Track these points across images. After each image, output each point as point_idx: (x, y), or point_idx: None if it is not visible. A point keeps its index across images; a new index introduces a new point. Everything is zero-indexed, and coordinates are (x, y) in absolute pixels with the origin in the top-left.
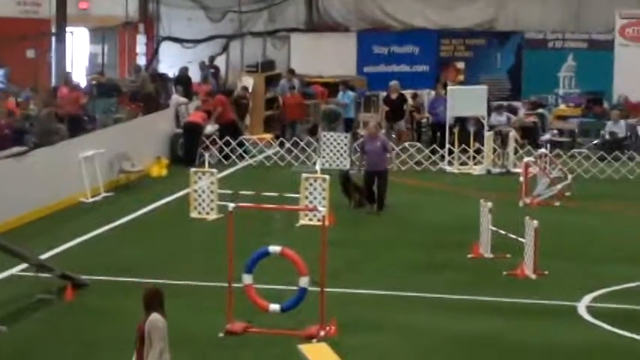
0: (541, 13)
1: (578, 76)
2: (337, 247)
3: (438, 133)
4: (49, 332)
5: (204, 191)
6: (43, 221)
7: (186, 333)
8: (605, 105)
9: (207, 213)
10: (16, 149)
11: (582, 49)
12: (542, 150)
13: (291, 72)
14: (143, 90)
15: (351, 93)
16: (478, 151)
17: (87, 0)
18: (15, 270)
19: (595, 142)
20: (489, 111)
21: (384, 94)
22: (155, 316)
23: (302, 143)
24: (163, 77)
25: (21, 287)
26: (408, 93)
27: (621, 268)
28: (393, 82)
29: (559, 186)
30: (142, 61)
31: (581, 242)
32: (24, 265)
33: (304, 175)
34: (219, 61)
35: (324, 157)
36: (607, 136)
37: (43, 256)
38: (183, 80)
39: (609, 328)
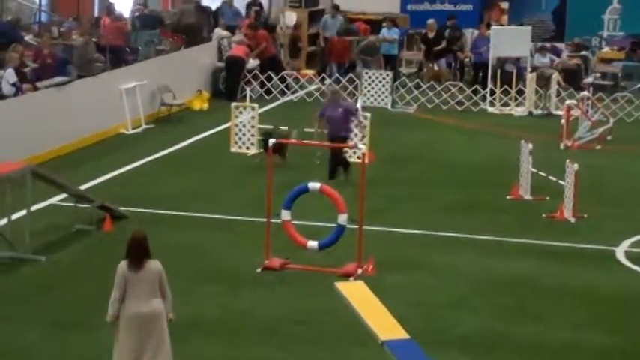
0: None
1: (623, 19)
2: (376, 185)
3: (480, 73)
4: (87, 263)
5: (245, 126)
6: (83, 152)
7: (223, 268)
8: None
9: (248, 148)
10: (58, 79)
11: None
12: (585, 93)
13: (336, 8)
14: (181, 21)
15: (396, 29)
16: (520, 92)
17: None
18: (54, 200)
19: (638, 85)
20: (532, 52)
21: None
22: (120, 265)
23: (344, 80)
24: (206, 10)
25: (60, 217)
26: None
27: None
28: (431, 21)
29: (600, 129)
30: None
31: (621, 187)
32: (63, 196)
33: None
34: None
35: (365, 95)
36: None
37: (83, 187)
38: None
39: None
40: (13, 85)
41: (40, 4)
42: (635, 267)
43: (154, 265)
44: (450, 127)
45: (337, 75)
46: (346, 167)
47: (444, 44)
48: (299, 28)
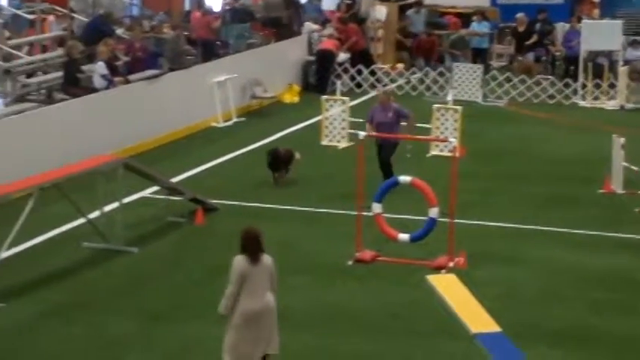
0: None
1: None
2: (467, 178)
3: (572, 67)
4: (178, 255)
5: (336, 119)
6: (174, 144)
7: (315, 260)
8: None
9: (338, 141)
10: (150, 72)
11: None
12: None
13: (419, 3)
14: (266, 14)
15: (486, 23)
16: (612, 86)
17: None
18: (146, 192)
19: None
20: (625, 46)
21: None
22: (236, 259)
23: (434, 73)
24: (297, 4)
25: (152, 209)
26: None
27: None
28: (520, 15)
29: None
30: None
31: None
32: (155, 188)
33: (435, 105)
34: None
35: (455, 88)
36: None
37: (175, 179)
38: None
39: None
40: (104, 77)
41: (130, 1)
42: None
43: (267, 259)
44: (541, 121)
45: (426, 69)
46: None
47: (534, 38)
48: (406, 20)
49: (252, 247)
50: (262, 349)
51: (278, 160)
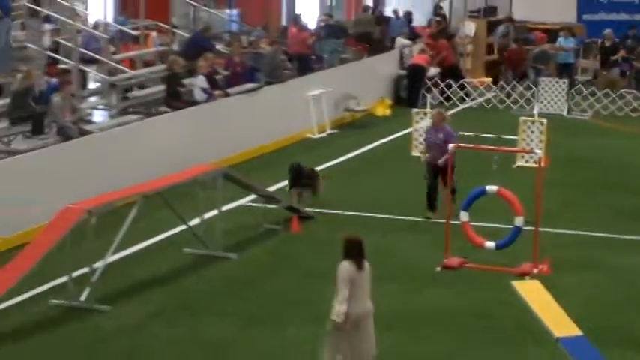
0: None
1: None
2: (552, 188)
3: None
4: (274, 261)
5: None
6: (271, 155)
7: (405, 265)
8: None
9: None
10: (248, 85)
11: None
12: None
13: (508, 19)
14: (358, 30)
15: (572, 39)
16: None
17: None
18: (244, 201)
19: None
20: None
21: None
22: (342, 264)
23: (521, 87)
24: (388, 20)
25: (249, 217)
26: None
27: None
28: (607, 31)
29: None
30: (368, 3)
31: None
32: (252, 197)
33: (522, 118)
34: (444, 6)
35: (541, 102)
36: None
37: (271, 189)
38: (411, 24)
39: None
40: (204, 91)
41: (230, 17)
42: None
43: (367, 265)
44: (625, 134)
45: (514, 82)
46: (453, 193)
47: (622, 53)
48: (507, 37)
49: (357, 253)
50: (366, 348)
51: (300, 177)
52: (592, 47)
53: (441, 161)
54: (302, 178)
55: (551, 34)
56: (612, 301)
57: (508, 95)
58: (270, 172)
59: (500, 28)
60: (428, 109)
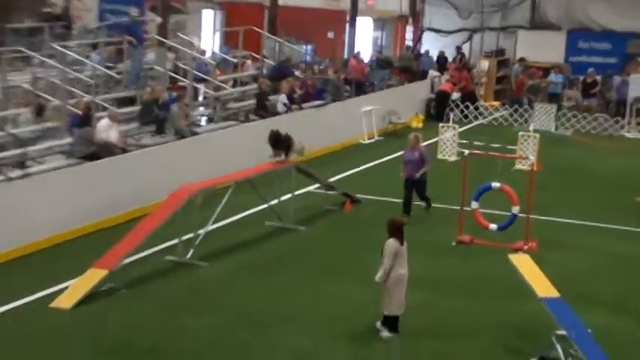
0: None
1: None
2: (541, 186)
3: (622, 108)
4: (332, 232)
5: (448, 140)
6: (332, 155)
7: (429, 241)
8: None
9: (449, 156)
10: (317, 102)
11: None
12: None
13: (522, 60)
14: (401, 63)
15: (560, 75)
16: None
17: None
18: (311, 188)
19: None
20: None
21: (580, 77)
22: (389, 241)
23: (521, 109)
24: (427, 55)
25: (314, 200)
26: (599, 77)
27: None
28: (591, 70)
29: None
30: (409, 44)
31: None
32: (317, 185)
33: (520, 132)
34: (465, 48)
35: (535, 121)
36: None
37: (331, 179)
38: (440, 60)
39: None
40: (285, 105)
41: (305, 51)
42: None
43: (405, 242)
44: (597, 148)
45: (516, 106)
46: (429, 204)
47: (598, 87)
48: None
49: (399, 233)
50: (403, 299)
51: (278, 141)
52: (575, 82)
53: (417, 175)
54: (279, 142)
55: (546, 71)
56: (582, 271)
57: (511, 115)
58: (332, 166)
59: (515, 67)
60: (450, 124)
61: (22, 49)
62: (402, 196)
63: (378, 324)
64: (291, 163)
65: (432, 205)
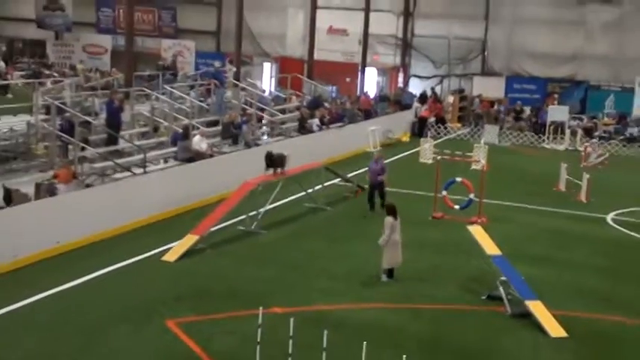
0: (598, 71)
1: (615, 104)
2: (489, 180)
3: (543, 128)
4: (349, 211)
5: (427, 149)
6: (349, 159)
7: (412, 217)
8: (628, 119)
9: (427, 160)
10: (339, 124)
11: (618, 91)
12: (594, 140)
13: (479, 96)
14: (395, 98)
15: (502, 106)
16: (561, 138)
17: (377, 54)
18: (334, 180)
19: (621, 137)
20: (569, 119)
21: (514, 107)
22: (387, 218)
23: (475, 129)
24: (411, 93)
25: (337, 189)
26: (528, 108)
27: (636, 199)
28: (518, 102)
29: (601, 158)
30: (400, 85)
31: (612, 185)
32: (339, 179)
33: (475, 144)
34: (438, 88)
35: (485, 136)
36: (628, 135)
37: (348, 175)
38: (423, 96)
39: (622, 229)
40: (318, 126)
41: (331, 90)
42: (616, 226)
43: (398, 218)
44: (524, 155)
45: (472, 126)
46: (383, 201)
47: (525, 114)
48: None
49: (394, 212)
50: (399, 258)
51: (272, 160)
52: (511, 110)
53: (379, 178)
54: (272, 161)
55: (492, 103)
56: (518, 237)
57: (470, 133)
58: (348, 166)
59: (476, 100)
60: (428, 138)
61: (145, 88)
62: (367, 197)
63: (383, 277)
64: (285, 174)
65: (417, 192)
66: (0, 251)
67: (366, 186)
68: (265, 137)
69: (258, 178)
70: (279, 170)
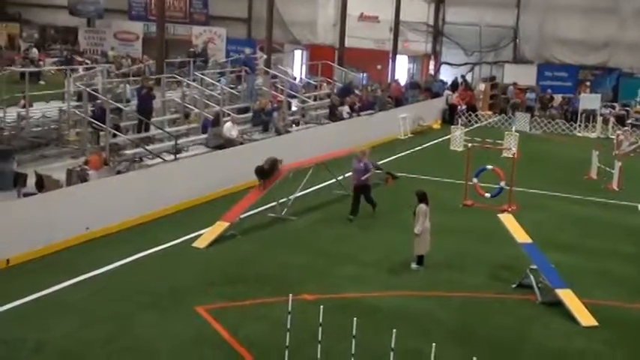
0: (630, 59)
1: None
2: (520, 167)
3: (574, 116)
4: (378, 198)
5: (457, 137)
6: (379, 146)
7: (444, 205)
8: None
9: (458, 148)
10: (370, 111)
11: None
12: (627, 127)
13: (515, 84)
14: (425, 85)
15: (533, 93)
16: (593, 126)
17: (407, 41)
18: None
19: None
20: (601, 106)
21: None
22: (421, 205)
23: (506, 116)
24: (442, 81)
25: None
26: (559, 96)
27: None
28: (549, 90)
29: (633, 146)
30: (432, 72)
31: None
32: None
33: (506, 132)
34: (469, 76)
35: (516, 124)
36: None
37: (379, 162)
38: (454, 84)
39: None
40: (348, 113)
41: (362, 77)
42: None
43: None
44: (558, 142)
45: (503, 114)
46: (374, 206)
47: (559, 101)
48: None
49: (426, 199)
50: (429, 243)
51: (262, 173)
52: (543, 98)
53: (362, 178)
54: (263, 174)
55: (523, 90)
56: (548, 225)
57: (500, 121)
58: (379, 154)
59: (510, 88)
60: (459, 126)
61: (176, 75)
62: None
63: (413, 264)
64: (272, 184)
65: (448, 180)
66: (33, 237)
67: (398, 174)
68: (295, 124)
69: (290, 165)
70: (262, 182)
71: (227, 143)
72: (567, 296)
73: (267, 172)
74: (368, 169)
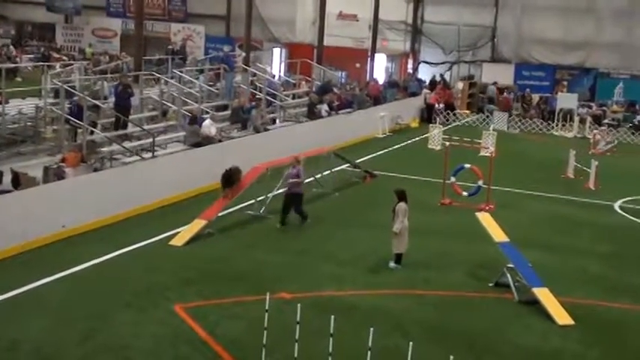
0: (607, 59)
1: (624, 92)
2: (498, 166)
3: (551, 115)
4: (356, 196)
5: (435, 135)
6: (357, 145)
7: (422, 203)
8: (637, 107)
9: (436, 146)
10: (348, 110)
11: (627, 79)
12: (603, 127)
13: (495, 83)
14: (403, 84)
15: (512, 93)
16: (570, 125)
17: (386, 40)
18: (344, 166)
19: (629, 124)
20: (578, 106)
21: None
22: (400, 204)
23: (484, 115)
24: (420, 80)
25: (345, 174)
26: (536, 95)
27: None
28: (527, 90)
29: (609, 146)
30: (410, 71)
31: (620, 173)
32: (347, 164)
33: (484, 131)
34: (447, 75)
35: (495, 123)
36: (636, 122)
37: (357, 160)
38: (432, 82)
39: (630, 217)
40: (327, 112)
41: (340, 76)
42: (623, 213)
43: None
44: (533, 141)
45: (481, 113)
46: (304, 218)
47: (536, 100)
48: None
49: (405, 198)
50: (406, 242)
51: (227, 181)
52: (520, 97)
53: (288, 181)
54: (228, 182)
55: (501, 89)
56: (525, 224)
57: (479, 120)
58: (357, 152)
59: (490, 87)
60: (437, 125)
61: (154, 72)
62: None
63: (391, 263)
64: (237, 193)
65: (425, 178)
66: (9, 234)
67: (376, 172)
68: (273, 122)
69: (267, 163)
70: (227, 190)
71: (205, 141)
72: (544, 295)
73: (231, 181)
74: (299, 175)
